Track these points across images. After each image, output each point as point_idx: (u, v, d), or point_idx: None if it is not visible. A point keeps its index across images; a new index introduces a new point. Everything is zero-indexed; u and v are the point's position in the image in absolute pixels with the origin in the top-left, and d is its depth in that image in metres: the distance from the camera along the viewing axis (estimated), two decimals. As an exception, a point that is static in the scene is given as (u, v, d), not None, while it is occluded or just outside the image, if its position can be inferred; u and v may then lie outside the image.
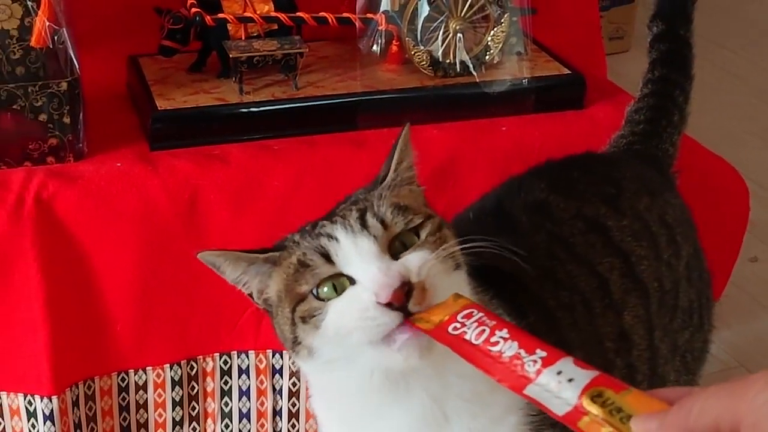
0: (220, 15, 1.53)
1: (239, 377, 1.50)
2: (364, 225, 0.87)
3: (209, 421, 1.51)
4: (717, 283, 1.40)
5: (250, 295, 0.95)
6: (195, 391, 1.49)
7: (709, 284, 1.30)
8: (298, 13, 1.56)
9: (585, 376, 0.65)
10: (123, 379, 1.46)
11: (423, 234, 0.88)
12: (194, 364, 1.48)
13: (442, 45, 1.58)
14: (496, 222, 1.17)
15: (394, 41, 1.60)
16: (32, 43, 1.34)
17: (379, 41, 1.58)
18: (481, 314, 0.76)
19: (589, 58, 1.85)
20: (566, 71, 1.65)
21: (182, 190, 1.40)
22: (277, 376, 1.50)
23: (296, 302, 0.88)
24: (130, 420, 1.48)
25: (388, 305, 0.81)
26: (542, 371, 0.67)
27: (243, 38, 1.55)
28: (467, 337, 0.74)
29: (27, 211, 1.34)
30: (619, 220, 1.17)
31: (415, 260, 0.85)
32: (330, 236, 0.87)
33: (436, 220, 0.91)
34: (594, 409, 0.62)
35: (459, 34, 1.58)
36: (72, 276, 1.38)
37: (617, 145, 1.39)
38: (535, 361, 0.68)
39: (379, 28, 1.57)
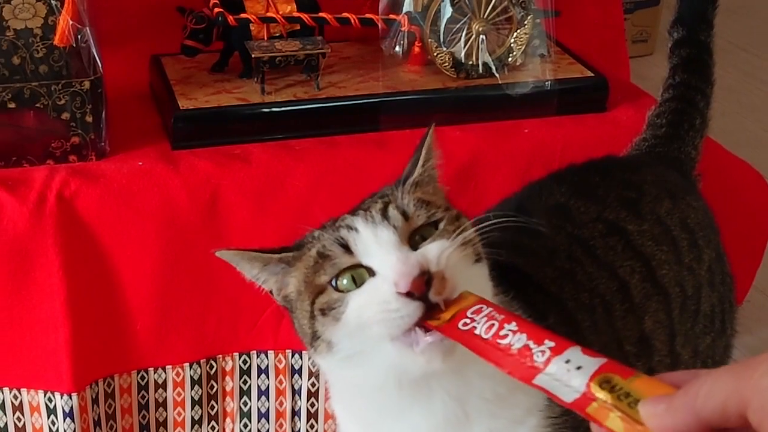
0: (243, 15, 1.53)
1: (258, 377, 1.50)
2: (385, 216, 0.87)
3: (228, 420, 1.51)
4: (740, 288, 1.39)
5: (270, 292, 0.95)
6: (214, 390, 1.49)
7: (732, 288, 1.29)
8: (321, 14, 1.56)
9: (593, 363, 0.65)
10: (143, 377, 1.46)
11: (441, 224, 0.88)
12: (214, 363, 1.48)
13: (464, 46, 1.58)
14: (516, 224, 1.16)
15: (416, 42, 1.60)
16: (56, 42, 1.35)
17: (402, 42, 1.57)
18: (489, 309, 0.76)
19: (613, 61, 1.84)
20: (589, 74, 1.65)
21: (203, 189, 1.41)
22: (297, 376, 1.50)
23: (316, 294, 0.88)
24: (149, 418, 1.49)
25: (409, 295, 0.81)
26: (551, 361, 0.67)
27: (265, 38, 1.55)
28: (477, 331, 0.74)
29: (49, 209, 1.34)
30: (640, 224, 1.17)
31: (433, 249, 0.84)
32: (350, 227, 0.87)
33: (454, 211, 0.91)
34: (602, 395, 0.62)
35: (482, 36, 1.58)
36: (93, 274, 1.38)
37: (639, 149, 1.38)
38: (543, 352, 0.68)
39: (402, 29, 1.57)
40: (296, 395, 1.51)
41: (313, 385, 1.51)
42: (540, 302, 1.02)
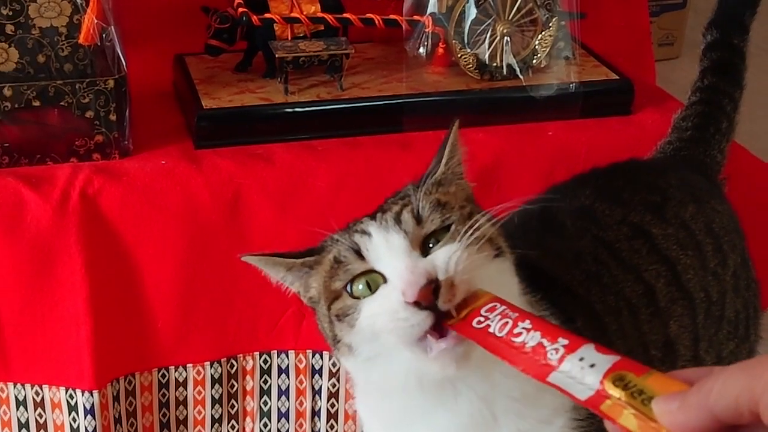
0: (267, 15, 1.53)
1: (279, 376, 1.50)
2: (397, 220, 0.86)
3: (248, 419, 1.51)
4: (765, 293, 1.37)
5: (298, 293, 0.95)
6: (234, 389, 1.50)
7: (757, 294, 1.28)
8: (345, 15, 1.56)
9: (606, 360, 0.65)
10: (163, 376, 1.47)
11: (453, 227, 0.86)
12: (234, 362, 1.48)
13: (489, 48, 1.57)
14: (540, 226, 1.16)
15: (440, 44, 1.59)
16: (80, 41, 1.35)
17: (426, 43, 1.57)
18: (503, 307, 0.76)
19: (638, 64, 1.83)
20: (614, 77, 1.64)
21: (226, 188, 1.41)
22: (317, 376, 1.50)
23: (331, 300, 0.88)
24: (169, 416, 1.49)
25: (417, 304, 0.80)
26: (564, 359, 0.67)
27: (289, 39, 1.55)
28: (491, 330, 0.74)
29: (72, 206, 1.35)
30: (665, 228, 1.16)
31: (442, 256, 0.83)
32: (363, 232, 0.87)
33: (467, 209, 0.88)
34: (616, 393, 0.62)
35: (506, 38, 1.57)
36: (115, 272, 1.39)
37: (664, 152, 1.37)
38: (557, 349, 0.68)
39: (426, 30, 1.56)
40: (316, 395, 1.51)
41: (333, 385, 1.51)
42: (568, 304, 1.01)
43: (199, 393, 1.48)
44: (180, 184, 1.40)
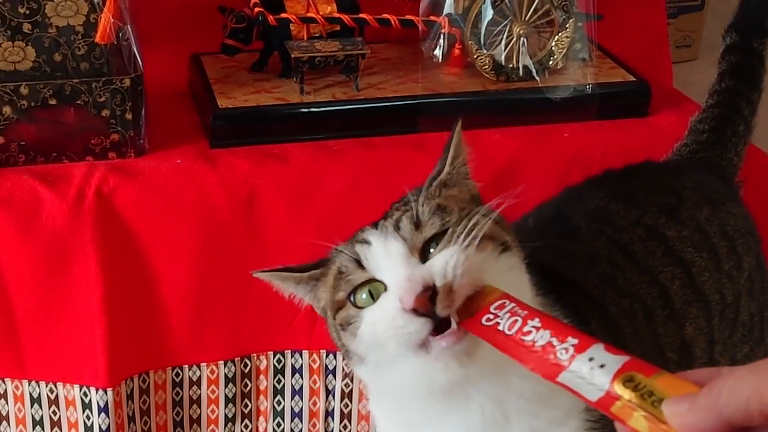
0: (283, 15, 1.53)
1: (292, 376, 1.50)
2: (396, 227, 0.86)
3: (261, 419, 1.51)
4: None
5: (311, 304, 0.96)
6: (248, 388, 1.50)
7: (772, 298, 1.27)
8: (361, 15, 1.56)
9: (616, 361, 0.65)
10: (177, 374, 1.47)
11: (450, 229, 0.85)
12: (248, 362, 1.48)
13: (505, 49, 1.57)
14: (555, 228, 1.16)
15: (456, 44, 1.59)
16: (97, 40, 1.36)
17: (442, 44, 1.57)
18: (513, 305, 0.75)
19: (655, 66, 1.82)
20: (631, 78, 1.63)
21: (241, 188, 1.41)
22: (330, 376, 1.50)
23: (336, 310, 0.88)
24: (183, 415, 1.49)
25: (415, 311, 0.79)
26: (574, 358, 0.67)
27: (305, 38, 1.55)
28: (500, 327, 0.74)
29: (88, 205, 1.35)
30: (680, 230, 1.15)
31: (439, 261, 0.82)
32: (364, 241, 0.87)
33: (466, 211, 0.87)
34: (626, 394, 0.62)
35: (523, 39, 1.57)
36: (130, 270, 1.39)
37: (680, 154, 1.37)
38: (567, 349, 0.68)
39: (442, 31, 1.56)
40: (330, 395, 1.51)
41: (347, 385, 1.51)
42: (582, 306, 1.01)
43: (213, 392, 1.48)
44: (195, 184, 1.40)
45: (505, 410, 0.91)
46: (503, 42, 1.56)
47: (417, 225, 0.86)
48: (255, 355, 1.48)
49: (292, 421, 1.52)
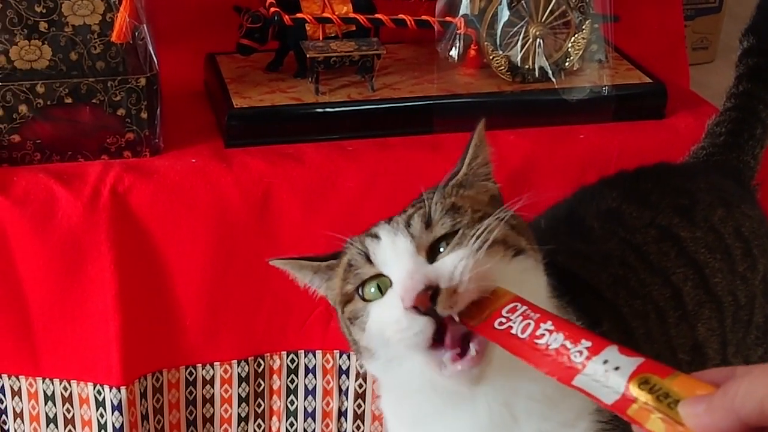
0: (299, 15, 1.53)
1: (306, 376, 1.50)
2: (407, 224, 0.86)
3: (274, 418, 1.51)
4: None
5: (325, 295, 0.96)
6: (261, 388, 1.50)
7: (788, 301, 1.26)
8: (377, 15, 1.56)
9: (631, 363, 0.65)
10: (191, 373, 1.47)
11: (460, 231, 0.84)
12: (261, 361, 1.48)
13: (521, 50, 1.56)
14: (568, 229, 1.15)
15: (472, 45, 1.59)
16: (113, 39, 1.36)
17: (458, 45, 1.56)
18: (524, 308, 0.75)
19: (672, 68, 1.81)
20: (648, 80, 1.62)
21: (255, 187, 1.41)
22: (344, 376, 1.50)
23: (345, 302, 0.88)
24: (196, 414, 1.50)
25: (416, 309, 0.79)
26: (589, 361, 0.67)
27: (321, 39, 1.55)
28: (514, 331, 0.73)
29: (102, 203, 1.35)
30: (693, 231, 1.15)
31: (447, 264, 0.81)
32: (375, 236, 0.87)
33: (479, 213, 0.86)
34: (642, 396, 0.62)
35: (539, 40, 1.56)
36: (144, 269, 1.40)
37: (697, 157, 1.36)
38: (581, 352, 0.67)
39: (458, 31, 1.56)
40: (343, 396, 1.51)
41: (360, 386, 1.50)
42: (595, 307, 1.00)
43: (226, 391, 1.48)
44: (210, 183, 1.40)
45: (513, 411, 0.91)
46: (519, 43, 1.56)
47: (428, 223, 0.85)
48: (268, 354, 1.48)
49: (305, 421, 1.52)
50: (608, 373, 0.65)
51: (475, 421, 0.91)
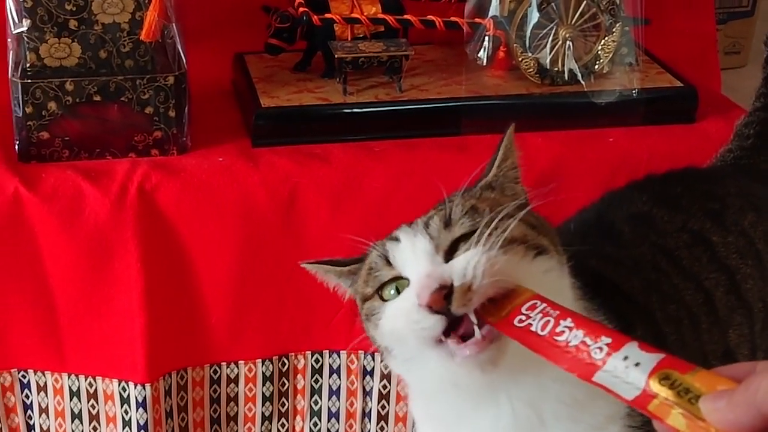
0: (327, 15, 1.53)
1: (330, 376, 1.50)
2: (426, 225, 0.86)
3: (298, 418, 1.51)
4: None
5: (353, 297, 0.96)
6: (285, 387, 1.50)
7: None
8: (406, 16, 1.56)
9: (651, 359, 0.64)
10: (215, 372, 1.47)
11: (479, 230, 0.83)
12: (286, 361, 1.48)
13: (550, 52, 1.55)
14: (597, 232, 1.14)
15: (501, 47, 1.58)
16: (142, 37, 1.37)
17: (487, 47, 1.56)
18: (544, 305, 0.75)
19: (703, 72, 1.80)
20: (678, 84, 1.61)
21: (282, 187, 1.41)
22: (368, 377, 1.50)
23: (363, 301, 0.89)
24: (220, 412, 1.50)
25: (429, 308, 0.79)
26: (609, 357, 0.66)
27: (349, 39, 1.55)
28: (533, 328, 0.73)
29: (130, 201, 1.36)
30: (725, 236, 1.13)
31: (461, 261, 0.81)
32: (395, 238, 0.87)
33: (497, 213, 0.85)
34: (662, 392, 0.61)
35: (569, 42, 1.55)
36: (170, 267, 1.40)
37: (724, 159, 1.35)
38: (600, 348, 0.67)
39: (487, 33, 1.55)
40: (367, 396, 1.51)
41: (384, 387, 1.50)
42: (628, 312, 0.99)
43: (250, 390, 1.49)
44: (237, 182, 1.40)
45: (540, 413, 0.90)
46: (549, 45, 1.55)
47: (447, 224, 0.85)
48: (293, 354, 1.48)
49: (328, 421, 1.52)
50: (628, 369, 0.64)
51: (499, 423, 0.90)
